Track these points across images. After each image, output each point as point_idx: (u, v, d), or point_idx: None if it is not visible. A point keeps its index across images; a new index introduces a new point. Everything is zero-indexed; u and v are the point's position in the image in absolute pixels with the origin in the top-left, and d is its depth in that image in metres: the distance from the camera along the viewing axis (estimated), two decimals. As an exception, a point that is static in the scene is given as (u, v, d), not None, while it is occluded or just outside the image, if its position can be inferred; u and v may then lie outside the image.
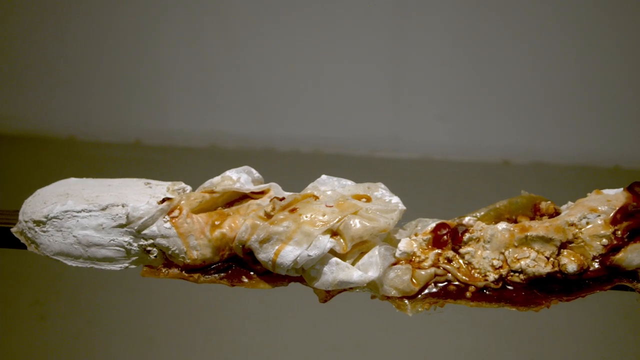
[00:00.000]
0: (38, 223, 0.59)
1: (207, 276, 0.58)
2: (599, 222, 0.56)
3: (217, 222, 0.58)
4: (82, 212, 0.58)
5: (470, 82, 2.04)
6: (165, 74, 2.11)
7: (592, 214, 0.57)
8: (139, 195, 0.59)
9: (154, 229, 0.57)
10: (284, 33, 2.03)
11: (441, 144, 2.09)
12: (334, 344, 1.43)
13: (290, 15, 2.01)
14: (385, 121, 2.10)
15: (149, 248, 0.58)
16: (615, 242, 0.55)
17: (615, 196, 0.58)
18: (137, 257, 0.59)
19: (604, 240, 0.56)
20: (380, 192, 0.59)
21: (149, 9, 2.05)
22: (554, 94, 2.02)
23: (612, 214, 0.56)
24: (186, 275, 0.58)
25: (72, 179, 0.63)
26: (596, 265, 0.56)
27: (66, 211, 0.58)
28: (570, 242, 0.56)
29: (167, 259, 0.59)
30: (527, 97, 2.04)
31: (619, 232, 0.56)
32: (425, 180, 1.98)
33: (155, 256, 0.58)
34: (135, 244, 0.58)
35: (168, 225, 0.57)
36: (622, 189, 0.59)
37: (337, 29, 2.02)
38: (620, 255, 0.55)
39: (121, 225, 0.58)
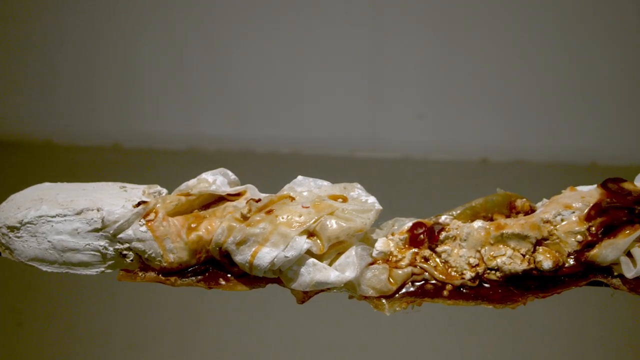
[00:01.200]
0: (12, 229, 0.58)
1: (184, 279, 0.58)
2: (574, 218, 0.57)
3: (193, 225, 0.57)
4: (57, 217, 0.58)
5: (448, 81, 2.05)
6: (144, 77, 2.10)
7: (567, 211, 0.57)
8: (114, 199, 0.59)
9: (129, 232, 0.57)
10: (262, 35, 2.03)
11: (420, 143, 2.09)
12: (318, 344, 1.43)
13: (268, 16, 2.01)
14: (364, 121, 2.10)
15: (125, 252, 0.58)
16: (589, 238, 0.56)
17: (589, 193, 0.59)
18: (113, 262, 0.59)
19: (579, 237, 0.56)
20: (357, 192, 0.59)
21: (127, 11, 2.04)
22: (531, 92, 2.04)
23: (586, 211, 0.57)
24: (163, 278, 0.58)
25: (47, 184, 0.63)
26: (571, 261, 0.56)
27: (40, 216, 0.58)
28: (545, 239, 0.57)
29: (144, 263, 0.58)
30: (505, 96, 2.05)
31: (594, 229, 0.56)
32: (405, 180, 1.99)
33: (132, 260, 0.58)
34: (111, 248, 0.58)
35: (144, 228, 0.57)
36: (595, 185, 0.60)
37: (314, 30, 2.02)
38: (594, 251, 0.55)
39: (96, 230, 0.57)
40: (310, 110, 2.10)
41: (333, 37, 2.02)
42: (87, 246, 0.58)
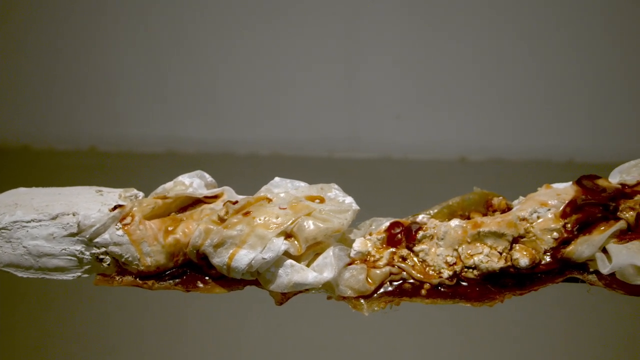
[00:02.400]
0: (-14, 235, 0.57)
1: (161, 282, 0.58)
2: (550, 216, 0.57)
3: (170, 228, 0.57)
4: (32, 222, 0.57)
5: (426, 81, 2.05)
6: (120, 79, 2.09)
7: (543, 208, 0.58)
8: (90, 203, 0.59)
9: (106, 236, 0.56)
10: (240, 36, 2.02)
11: (399, 143, 2.10)
12: (300, 345, 1.43)
13: (246, 18, 2.01)
14: (343, 122, 2.10)
15: (101, 256, 0.57)
16: (565, 235, 0.56)
17: (564, 190, 0.59)
18: (89, 266, 0.58)
19: (555, 234, 0.56)
20: (334, 192, 0.59)
21: (102, 13, 2.02)
22: (509, 91, 2.05)
23: (562, 208, 0.57)
24: (140, 282, 0.58)
25: (22, 189, 0.62)
26: (548, 258, 0.57)
27: (15, 222, 0.57)
28: (522, 236, 0.57)
29: (121, 267, 0.58)
30: (483, 95, 2.06)
31: (569, 225, 0.56)
32: (384, 180, 1.99)
33: (108, 264, 0.58)
34: (88, 253, 0.57)
35: (120, 232, 0.56)
36: (571, 182, 0.60)
37: (292, 31, 2.02)
38: (570, 248, 0.56)
39: (72, 234, 0.57)
40: (289, 112, 2.10)
41: (311, 38, 2.02)
42: (63, 251, 0.57)
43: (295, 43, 2.03)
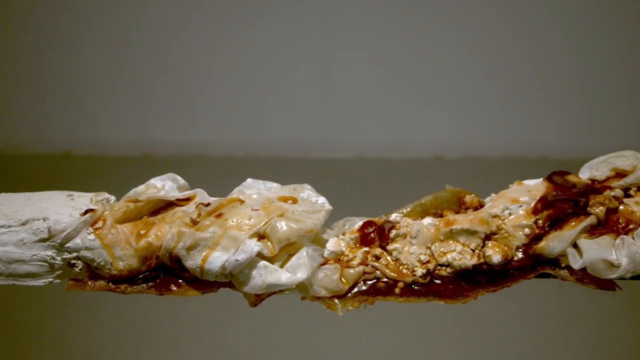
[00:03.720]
0: (-45, 242, 0.57)
1: (134, 286, 0.57)
2: (521, 212, 0.58)
3: (142, 232, 0.57)
4: (1, 228, 0.56)
5: (399, 80, 2.06)
6: (93, 82, 2.07)
7: (514, 205, 0.58)
8: (61, 208, 0.58)
9: (77, 241, 0.56)
10: (212, 37, 2.02)
11: (374, 142, 2.10)
12: (278, 347, 1.43)
13: (218, 18, 2.00)
14: (318, 122, 2.10)
15: (73, 261, 0.57)
16: (537, 231, 0.57)
17: (535, 186, 0.60)
18: (61, 271, 0.58)
19: (527, 230, 0.57)
20: (307, 193, 0.59)
21: (75, 18, 2.01)
22: (483, 89, 2.06)
23: (533, 204, 0.58)
24: (113, 286, 0.57)
25: (-9, 195, 0.61)
26: (520, 255, 0.57)
27: (-16, 228, 0.56)
28: (494, 233, 0.58)
29: (93, 272, 0.57)
30: (457, 93, 2.07)
31: (540, 221, 0.57)
32: (361, 179, 2.00)
33: (80, 269, 0.57)
34: (59, 258, 0.57)
35: (92, 237, 0.56)
36: (541, 179, 0.61)
37: (265, 32, 2.01)
38: (542, 244, 0.56)
39: (43, 240, 0.56)
40: (264, 113, 2.10)
41: (284, 39, 2.01)
42: (34, 257, 0.57)
43: (269, 44, 2.03)
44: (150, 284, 0.58)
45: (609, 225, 0.57)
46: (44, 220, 0.57)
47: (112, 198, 0.62)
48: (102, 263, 0.56)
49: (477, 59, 2.02)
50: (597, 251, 0.55)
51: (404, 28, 2.00)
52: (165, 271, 0.58)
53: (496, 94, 2.06)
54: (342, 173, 2.03)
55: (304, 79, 2.06)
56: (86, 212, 0.57)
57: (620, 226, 0.57)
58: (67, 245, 0.56)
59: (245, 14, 1.99)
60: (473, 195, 0.62)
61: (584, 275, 0.56)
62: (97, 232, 0.56)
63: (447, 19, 1.98)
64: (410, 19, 1.99)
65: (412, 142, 2.10)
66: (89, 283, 0.58)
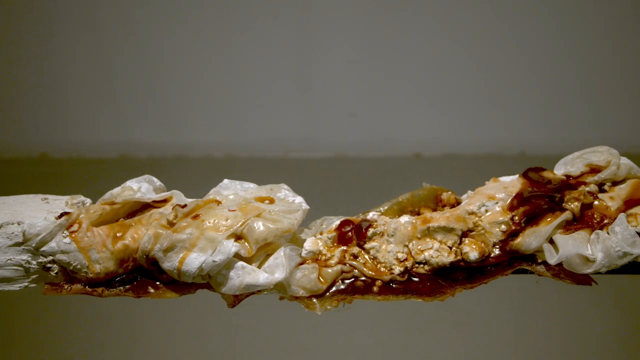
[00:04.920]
0: None
1: (111, 289, 0.57)
2: (497, 209, 0.58)
3: (119, 234, 0.56)
4: (-25, 232, 0.56)
5: (377, 78, 2.06)
6: (70, 84, 2.05)
7: (491, 202, 0.58)
8: (36, 212, 0.58)
9: (52, 245, 0.55)
10: (190, 38, 2.01)
11: (353, 141, 2.10)
12: (258, 347, 1.43)
13: (196, 19, 1.99)
14: (296, 122, 2.10)
15: (48, 265, 0.56)
16: (513, 227, 0.57)
17: (511, 183, 0.60)
18: (36, 276, 0.57)
19: (503, 227, 0.57)
20: (284, 193, 0.59)
21: (52, 18, 1.99)
22: (461, 87, 2.07)
23: (509, 201, 0.58)
24: (89, 290, 0.57)
25: (-35, 199, 0.61)
26: (497, 251, 0.57)
27: (-42, 233, 0.56)
28: (471, 230, 0.58)
29: (69, 275, 0.57)
30: (435, 91, 2.08)
31: (517, 218, 0.57)
32: (340, 178, 2.00)
33: (56, 273, 0.56)
34: (34, 262, 0.56)
35: (67, 240, 0.55)
36: (517, 175, 0.61)
37: (243, 31, 2.01)
38: (518, 240, 0.56)
39: (18, 244, 0.56)
40: (242, 113, 2.09)
41: (262, 38, 2.01)
42: (9, 261, 0.56)
43: (247, 43, 2.02)
44: (127, 286, 0.57)
45: (584, 220, 0.57)
46: (19, 224, 0.56)
47: (88, 201, 0.61)
48: (78, 266, 0.55)
49: (455, 58, 2.03)
50: (572, 246, 0.55)
51: (382, 27, 2.00)
52: (142, 273, 0.57)
53: (475, 92, 2.07)
54: (322, 173, 2.02)
55: (282, 78, 2.05)
56: (61, 215, 0.56)
57: (595, 221, 0.57)
58: (42, 249, 0.55)
59: (223, 14, 1.99)
60: (450, 192, 0.63)
61: (560, 271, 0.57)
62: (73, 236, 0.55)
63: (425, 18, 1.99)
64: (388, 18, 1.99)
65: (391, 141, 2.10)
66: (65, 287, 0.57)
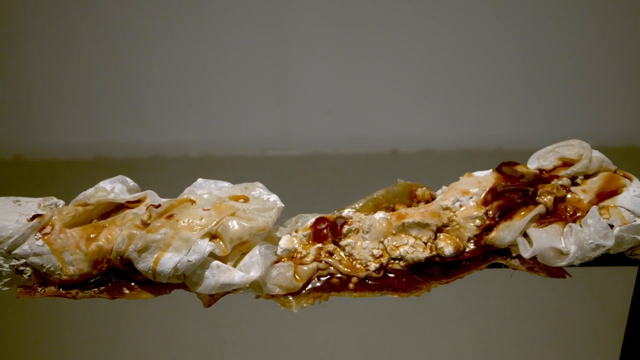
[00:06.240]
0: None
1: (85, 291, 0.56)
2: (472, 204, 0.58)
3: (92, 235, 0.56)
4: (-54, 236, 0.55)
5: (353, 75, 2.07)
6: (44, 85, 2.03)
7: (465, 197, 0.59)
8: (7, 214, 0.57)
9: (25, 247, 0.55)
10: (164, 38, 2.00)
11: (331, 138, 2.11)
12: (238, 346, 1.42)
13: (172, 19, 1.98)
14: (273, 120, 2.10)
15: (21, 268, 0.56)
16: (487, 222, 0.57)
17: (485, 178, 0.61)
18: (9, 279, 0.56)
19: (477, 221, 0.57)
20: (258, 191, 0.59)
21: (20, 18, 1.97)
22: (437, 83, 2.08)
23: (483, 195, 0.58)
24: (63, 292, 0.56)
25: None
26: (471, 246, 0.58)
27: None
28: (446, 225, 0.58)
29: (42, 278, 0.56)
30: (412, 87, 2.08)
31: (491, 212, 0.58)
32: (318, 176, 2.00)
33: (29, 276, 0.56)
34: (6, 265, 0.56)
35: (40, 242, 0.55)
36: (491, 170, 0.61)
37: (218, 31, 2.00)
38: (492, 234, 0.57)
39: (-11, 247, 0.55)
40: (218, 112, 2.08)
41: (237, 37, 2.00)
42: (-19, 265, 0.55)
43: (222, 43, 2.02)
44: (102, 288, 0.57)
45: (557, 213, 0.58)
46: (-10, 227, 0.56)
47: (61, 202, 0.61)
48: (52, 269, 0.55)
49: (431, 54, 2.04)
50: (546, 240, 0.55)
51: (357, 24, 2.00)
52: (117, 274, 0.57)
53: (451, 89, 2.08)
54: (299, 170, 2.02)
55: (258, 77, 2.05)
56: (34, 217, 0.56)
57: (568, 214, 0.58)
58: (14, 251, 0.55)
59: (198, 15, 1.98)
60: (424, 188, 0.63)
61: (534, 264, 0.57)
62: (46, 238, 0.55)
63: (400, 14, 1.99)
64: (363, 16, 1.99)
65: (368, 137, 2.11)
66: (39, 289, 0.57)
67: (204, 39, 2.01)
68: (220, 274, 0.54)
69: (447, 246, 0.57)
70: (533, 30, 2.02)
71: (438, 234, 0.58)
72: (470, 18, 2.01)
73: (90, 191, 0.60)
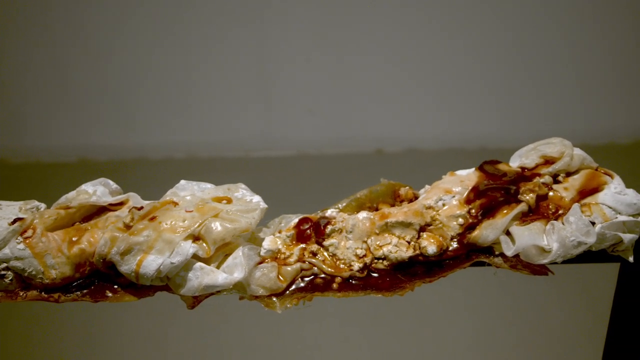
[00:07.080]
0: None
1: (68, 295, 0.56)
2: (454, 202, 0.58)
3: (74, 238, 0.56)
4: None
5: (336, 75, 2.07)
6: (26, 86, 2.02)
7: (448, 196, 0.59)
8: (-12, 218, 0.56)
9: (6, 251, 0.54)
10: (146, 39, 1.99)
11: (314, 138, 2.11)
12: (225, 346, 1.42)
13: (154, 21, 1.97)
14: (256, 121, 2.10)
15: (2, 272, 0.55)
16: (470, 220, 0.58)
17: (467, 176, 0.61)
18: (-10, 283, 0.56)
19: (460, 220, 0.57)
20: (241, 192, 0.59)
21: (6, 21, 1.96)
22: (421, 82, 2.08)
23: (465, 194, 0.59)
24: (46, 296, 0.56)
25: None
26: (455, 244, 0.58)
27: None
28: (429, 224, 0.58)
29: (24, 282, 0.56)
30: (395, 87, 2.09)
31: (474, 211, 0.58)
32: (302, 176, 2.00)
33: (11, 280, 0.55)
34: (-13, 270, 0.55)
35: (22, 246, 0.54)
36: (473, 169, 0.62)
37: (200, 33, 2.00)
38: (475, 232, 0.57)
39: (-30, 252, 0.55)
40: (202, 114, 2.08)
41: (220, 39, 2.00)
42: (-39, 269, 0.55)
43: (203, 44, 2.01)
44: (85, 291, 0.56)
45: (540, 211, 0.58)
46: (-29, 231, 0.55)
47: (43, 206, 0.60)
48: (34, 272, 0.54)
49: (414, 54, 2.05)
50: (528, 237, 0.56)
51: (339, 22, 2.01)
52: (99, 277, 0.57)
53: (435, 88, 2.09)
54: (283, 171, 2.02)
55: (241, 78, 2.05)
56: (14, 221, 0.55)
57: (550, 212, 0.58)
58: (-5, 256, 0.54)
59: (180, 16, 1.97)
60: (407, 187, 0.63)
61: (517, 262, 0.57)
62: (27, 241, 0.54)
63: (383, 12, 2.00)
64: (345, 15, 2.00)
65: (353, 137, 2.11)
66: (21, 294, 0.56)
67: (187, 42, 2.01)
68: (204, 276, 0.54)
69: (430, 245, 0.57)
70: (516, 31, 2.03)
71: (421, 233, 0.58)
72: (455, 18, 2.01)
73: (72, 194, 0.59)
